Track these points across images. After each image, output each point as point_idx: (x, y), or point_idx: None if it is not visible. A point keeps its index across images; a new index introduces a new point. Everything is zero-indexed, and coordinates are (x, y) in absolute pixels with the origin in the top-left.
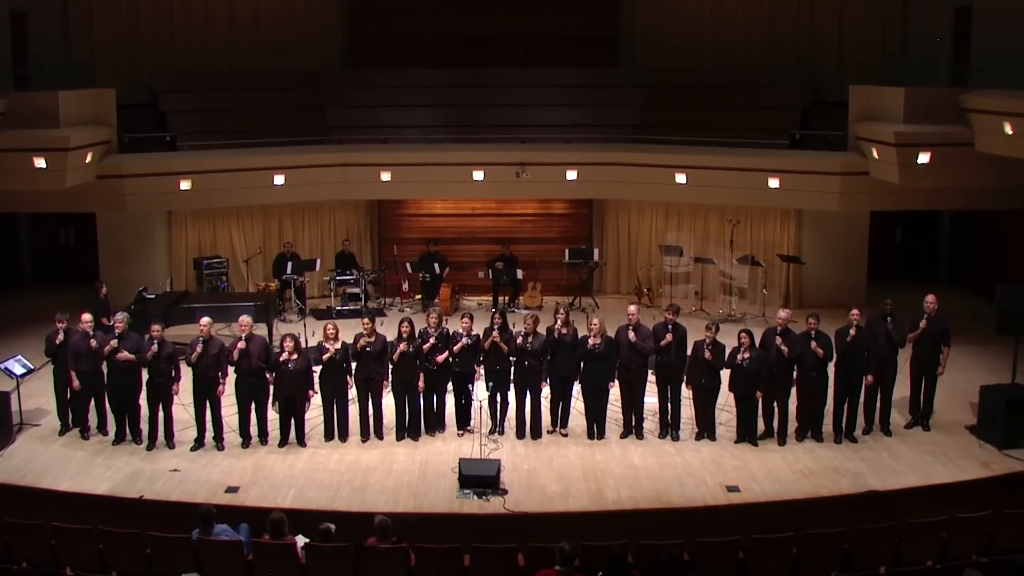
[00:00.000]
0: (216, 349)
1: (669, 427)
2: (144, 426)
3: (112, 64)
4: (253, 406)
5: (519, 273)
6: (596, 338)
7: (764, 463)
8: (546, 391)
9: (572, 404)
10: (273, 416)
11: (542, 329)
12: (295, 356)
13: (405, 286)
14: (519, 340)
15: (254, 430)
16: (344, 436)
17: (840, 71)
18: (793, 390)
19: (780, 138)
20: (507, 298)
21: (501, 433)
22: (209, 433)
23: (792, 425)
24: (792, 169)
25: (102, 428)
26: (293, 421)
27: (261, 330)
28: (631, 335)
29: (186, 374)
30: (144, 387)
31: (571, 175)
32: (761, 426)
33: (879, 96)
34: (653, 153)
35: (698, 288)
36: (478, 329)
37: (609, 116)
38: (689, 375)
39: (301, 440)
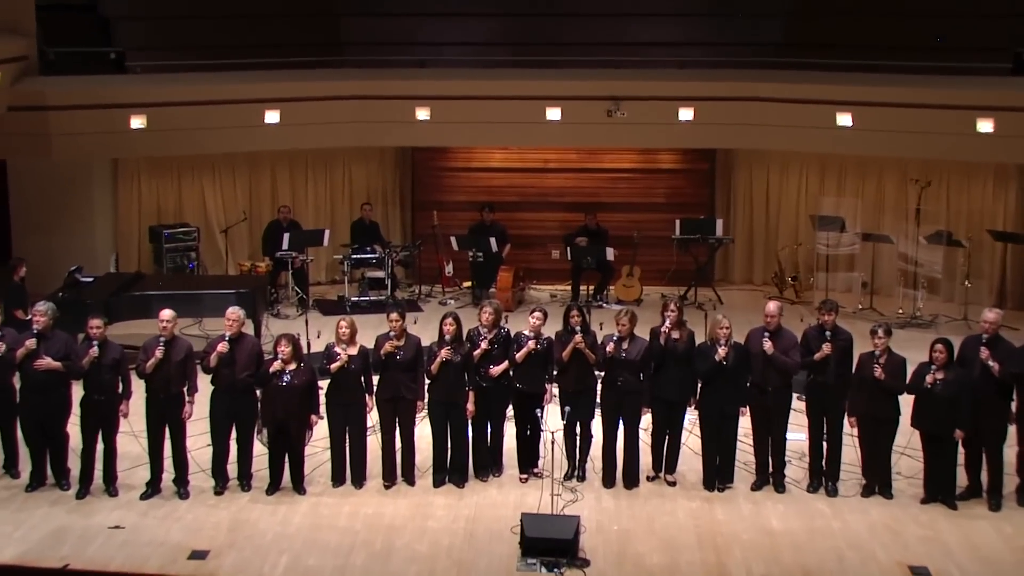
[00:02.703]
0: (182, 354)
1: (823, 476)
2: (74, 464)
3: None
4: (233, 435)
5: (609, 253)
6: (722, 347)
7: (967, 535)
8: (647, 420)
9: (684, 439)
10: (260, 450)
11: (642, 332)
12: (292, 366)
13: (449, 269)
14: (609, 347)
15: (233, 470)
16: (360, 480)
17: None
18: (1011, 428)
19: (997, 60)
20: (592, 288)
21: (582, 479)
22: (168, 474)
23: (1011, 480)
24: (1014, 106)
25: (10, 468)
26: (288, 458)
27: (247, 328)
28: (768, 344)
29: (138, 389)
30: (76, 408)
31: (685, 115)
32: (963, 480)
33: None
34: (803, 84)
35: (867, 278)
36: (551, 331)
37: (740, 31)
38: (853, 402)
39: (299, 485)
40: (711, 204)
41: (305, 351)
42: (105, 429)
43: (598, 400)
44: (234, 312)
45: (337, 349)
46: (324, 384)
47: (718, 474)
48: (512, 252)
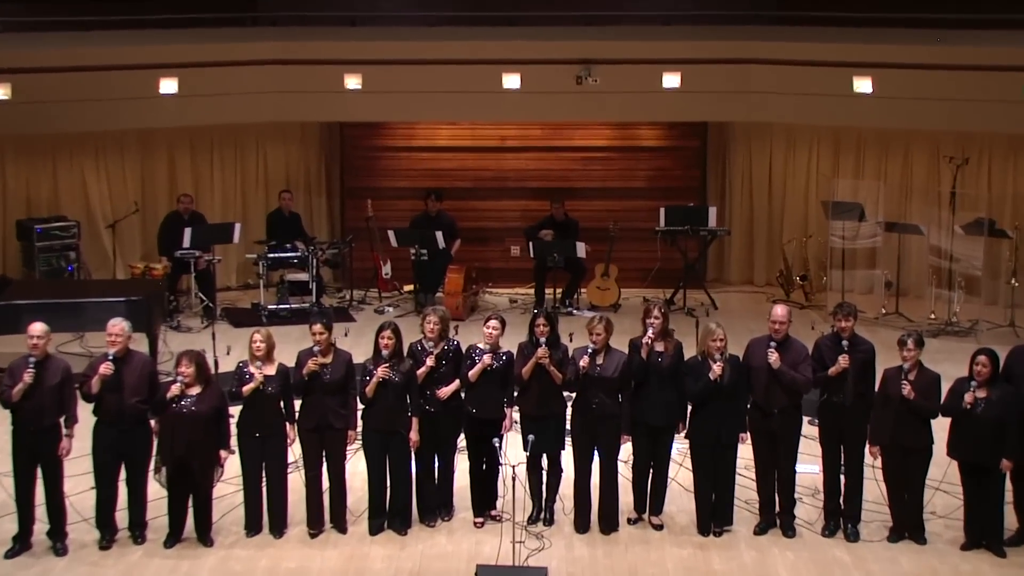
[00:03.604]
0: (57, 378)
1: (841, 517)
2: None
3: None
4: (123, 475)
5: (580, 249)
6: (717, 362)
7: None
8: (627, 450)
9: (672, 473)
10: (157, 493)
11: (620, 344)
12: (196, 390)
13: (386, 270)
14: (582, 363)
15: (122, 518)
16: (280, 528)
17: None
18: None
19: None
20: (560, 291)
21: (549, 522)
22: (41, 525)
23: None
24: None
25: None
26: (192, 502)
27: (140, 344)
28: (774, 357)
29: (2, 421)
30: None
31: (671, 81)
32: (1011, 521)
33: None
34: (812, 42)
35: (891, 276)
36: (511, 343)
37: None
38: (876, 428)
39: (205, 535)
40: (702, 189)
41: (212, 371)
42: None
43: (568, 427)
44: (117, 325)
45: (250, 369)
46: (235, 412)
47: (714, 515)
48: (463, 249)
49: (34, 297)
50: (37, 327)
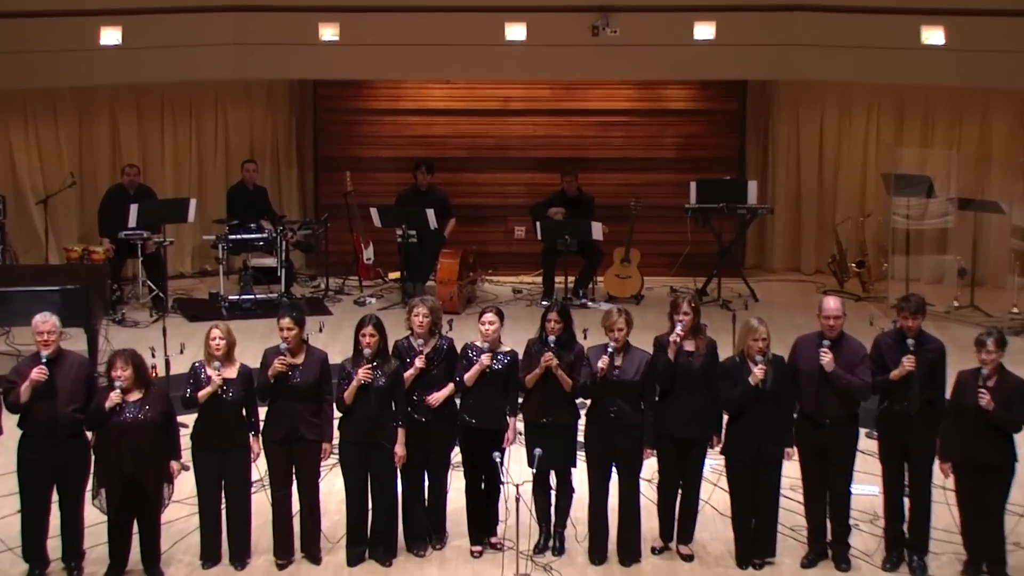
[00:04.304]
0: None
1: (904, 547)
2: None
3: None
4: (56, 496)
5: (596, 230)
6: (758, 363)
7: None
8: (651, 467)
9: (705, 495)
10: (96, 518)
11: (643, 343)
12: (135, 395)
13: (368, 254)
14: (600, 365)
15: (55, 547)
16: (242, 558)
17: None
18: None
19: None
20: (573, 279)
21: (559, 551)
22: None
23: None
24: None
25: None
26: (138, 527)
27: (77, 343)
28: (827, 358)
29: None
30: None
31: (704, 32)
32: None
33: None
34: None
35: (965, 263)
36: (515, 342)
37: None
38: (947, 442)
39: (153, 567)
40: (740, 160)
41: (158, 374)
42: None
43: (581, 439)
44: (46, 321)
45: (208, 370)
46: (189, 421)
47: (753, 544)
48: (459, 229)
49: None
50: None
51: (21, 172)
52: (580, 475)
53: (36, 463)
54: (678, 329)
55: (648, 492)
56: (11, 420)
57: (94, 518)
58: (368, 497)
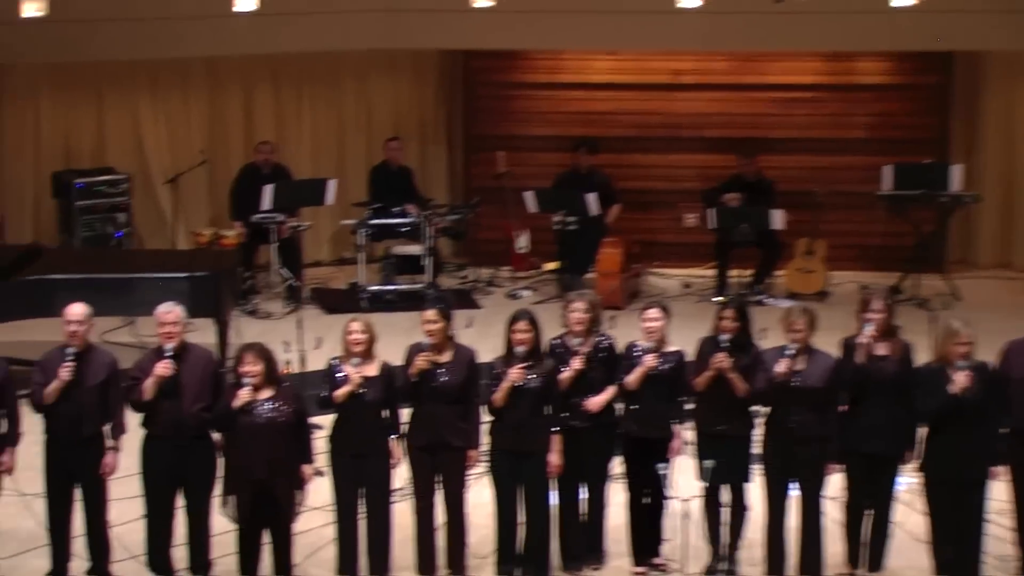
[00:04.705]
0: (102, 375)
1: None
2: None
3: None
4: (182, 502)
5: (777, 219)
6: (962, 371)
7: None
8: (836, 485)
9: (898, 518)
10: (223, 526)
11: (828, 345)
12: (267, 393)
13: (522, 242)
14: (780, 370)
15: (180, 558)
16: (381, 571)
17: None
18: None
19: None
20: (750, 273)
21: (731, 575)
22: (79, 562)
23: None
24: None
25: None
26: (271, 537)
27: (205, 335)
28: None
29: (32, 430)
30: None
31: None
32: None
33: None
34: None
35: None
36: (684, 341)
37: None
38: None
39: None
40: (942, 141)
41: (289, 370)
42: None
43: (757, 451)
44: (169, 312)
45: (346, 368)
46: (324, 424)
47: (954, 574)
48: (623, 216)
49: (72, 271)
50: (76, 310)
51: (148, 149)
52: (756, 491)
53: (160, 466)
54: (869, 330)
55: (832, 512)
56: (135, 419)
57: (222, 526)
58: (519, 510)
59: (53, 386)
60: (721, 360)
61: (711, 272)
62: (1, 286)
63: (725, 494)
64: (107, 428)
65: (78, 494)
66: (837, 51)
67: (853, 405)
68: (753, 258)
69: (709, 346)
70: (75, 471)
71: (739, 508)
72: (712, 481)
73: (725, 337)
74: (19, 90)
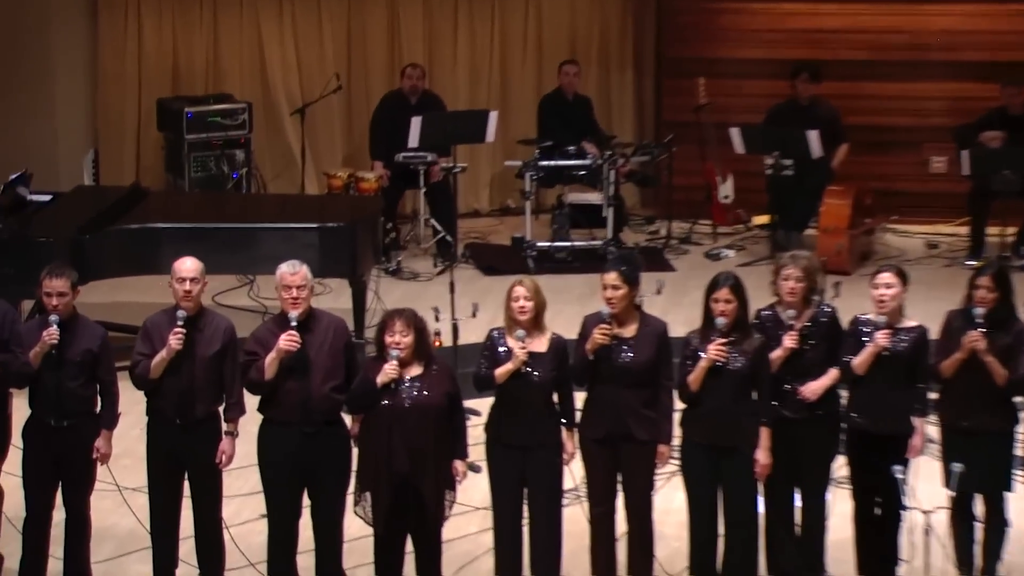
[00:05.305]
0: (217, 344)
1: None
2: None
3: None
4: (309, 500)
5: None
6: None
7: None
8: None
9: None
10: (360, 530)
11: None
12: (416, 371)
13: (725, 190)
14: None
15: (307, 567)
16: None
17: None
18: None
19: None
20: (1015, 232)
21: None
22: (188, 568)
23: None
24: None
25: None
26: (414, 543)
27: (338, 299)
28: None
29: (132, 409)
30: (15, 440)
31: None
32: None
33: None
34: None
35: None
36: (926, 315)
37: None
38: None
39: None
40: None
41: (441, 342)
42: (70, 484)
43: (1020, 454)
44: (295, 273)
45: (509, 341)
46: (484, 407)
47: None
48: (853, 159)
49: (181, 219)
50: (188, 265)
51: (273, 74)
52: (1018, 502)
53: (283, 457)
54: None
55: None
56: (253, 400)
57: (357, 530)
58: (716, 516)
59: (159, 358)
60: (975, 339)
61: (963, 229)
62: (97, 237)
63: (979, 505)
64: (221, 409)
65: (187, 488)
66: None
67: None
68: (1018, 213)
69: (960, 321)
70: (184, 460)
71: (996, 523)
72: (962, 489)
73: (980, 311)
74: (117, 2)
